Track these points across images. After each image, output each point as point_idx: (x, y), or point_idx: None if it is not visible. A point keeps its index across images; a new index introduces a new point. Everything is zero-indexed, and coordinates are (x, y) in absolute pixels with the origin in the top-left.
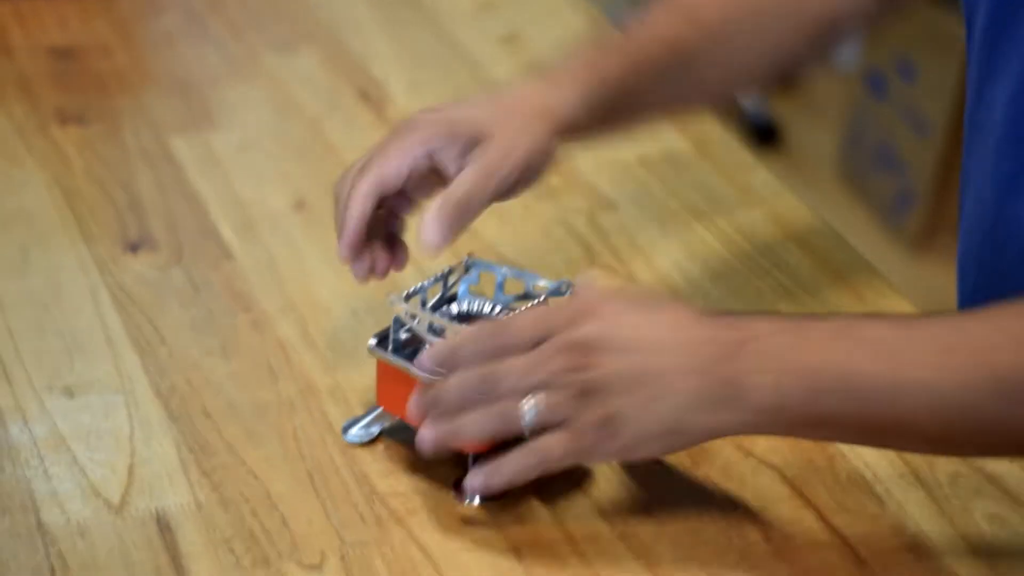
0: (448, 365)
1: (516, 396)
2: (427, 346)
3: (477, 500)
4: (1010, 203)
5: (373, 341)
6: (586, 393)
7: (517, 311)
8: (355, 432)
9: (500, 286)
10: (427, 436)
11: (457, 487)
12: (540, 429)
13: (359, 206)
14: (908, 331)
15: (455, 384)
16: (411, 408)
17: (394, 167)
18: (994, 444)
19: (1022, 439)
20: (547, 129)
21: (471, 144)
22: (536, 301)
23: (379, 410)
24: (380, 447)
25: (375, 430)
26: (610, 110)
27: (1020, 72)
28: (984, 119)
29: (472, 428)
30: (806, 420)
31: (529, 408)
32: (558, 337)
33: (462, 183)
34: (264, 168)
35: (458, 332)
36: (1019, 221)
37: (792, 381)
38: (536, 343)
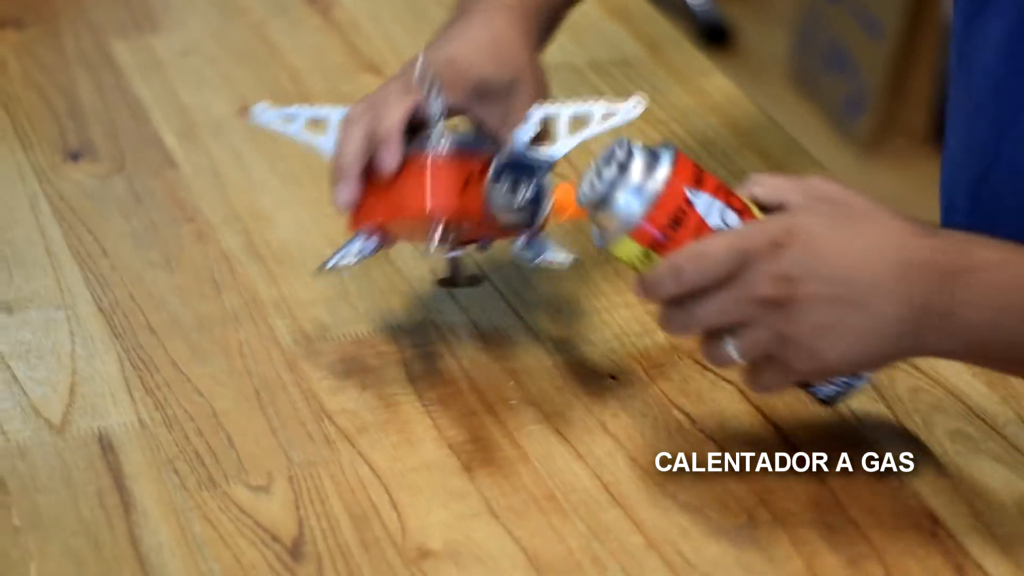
0: (647, 297)
1: (718, 335)
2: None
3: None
4: (1007, 147)
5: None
6: (788, 327)
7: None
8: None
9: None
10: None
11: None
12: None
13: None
14: None
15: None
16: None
17: (396, 123)
18: None
19: None
20: (535, 54)
21: (487, 94)
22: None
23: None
24: (329, 362)
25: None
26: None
27: (1017, 6)
28: (974, 51)
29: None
30: (1009, 357)
31: (734, 350)
32: (757, 268)
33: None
34: (207, 73)
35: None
36: (1018, 169)
37: (1010, 322)
38: (733, 273)
